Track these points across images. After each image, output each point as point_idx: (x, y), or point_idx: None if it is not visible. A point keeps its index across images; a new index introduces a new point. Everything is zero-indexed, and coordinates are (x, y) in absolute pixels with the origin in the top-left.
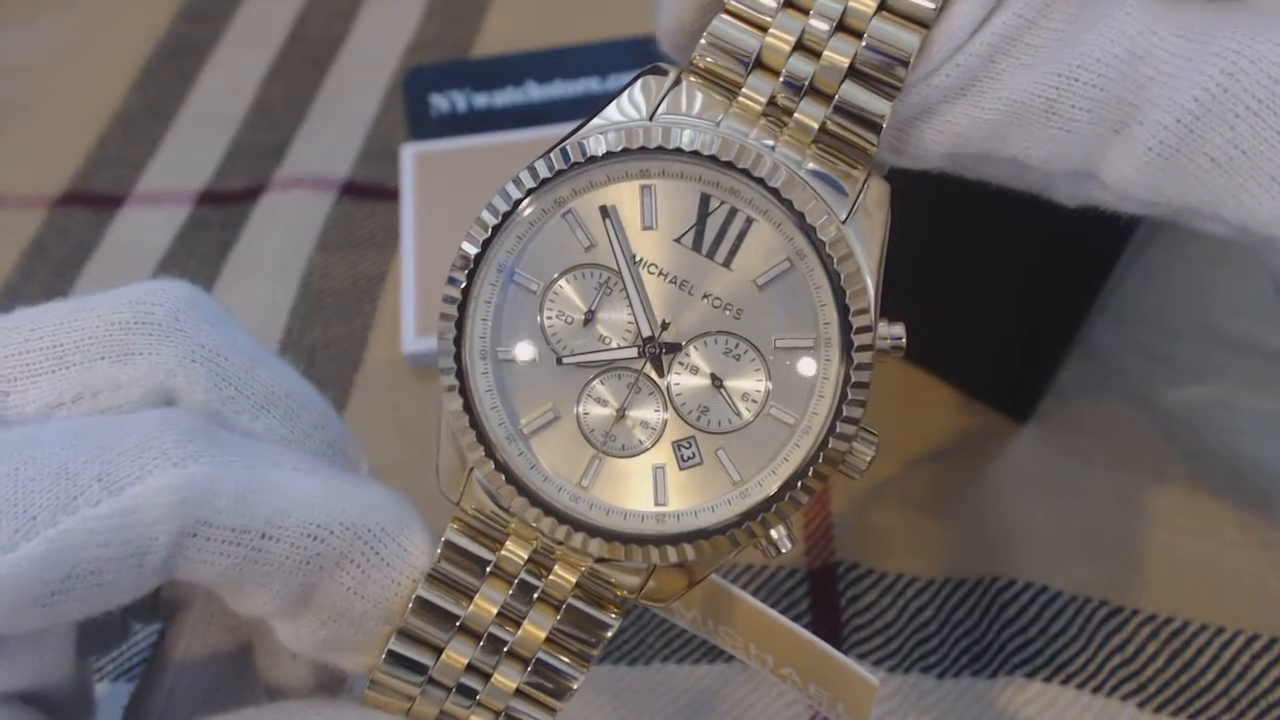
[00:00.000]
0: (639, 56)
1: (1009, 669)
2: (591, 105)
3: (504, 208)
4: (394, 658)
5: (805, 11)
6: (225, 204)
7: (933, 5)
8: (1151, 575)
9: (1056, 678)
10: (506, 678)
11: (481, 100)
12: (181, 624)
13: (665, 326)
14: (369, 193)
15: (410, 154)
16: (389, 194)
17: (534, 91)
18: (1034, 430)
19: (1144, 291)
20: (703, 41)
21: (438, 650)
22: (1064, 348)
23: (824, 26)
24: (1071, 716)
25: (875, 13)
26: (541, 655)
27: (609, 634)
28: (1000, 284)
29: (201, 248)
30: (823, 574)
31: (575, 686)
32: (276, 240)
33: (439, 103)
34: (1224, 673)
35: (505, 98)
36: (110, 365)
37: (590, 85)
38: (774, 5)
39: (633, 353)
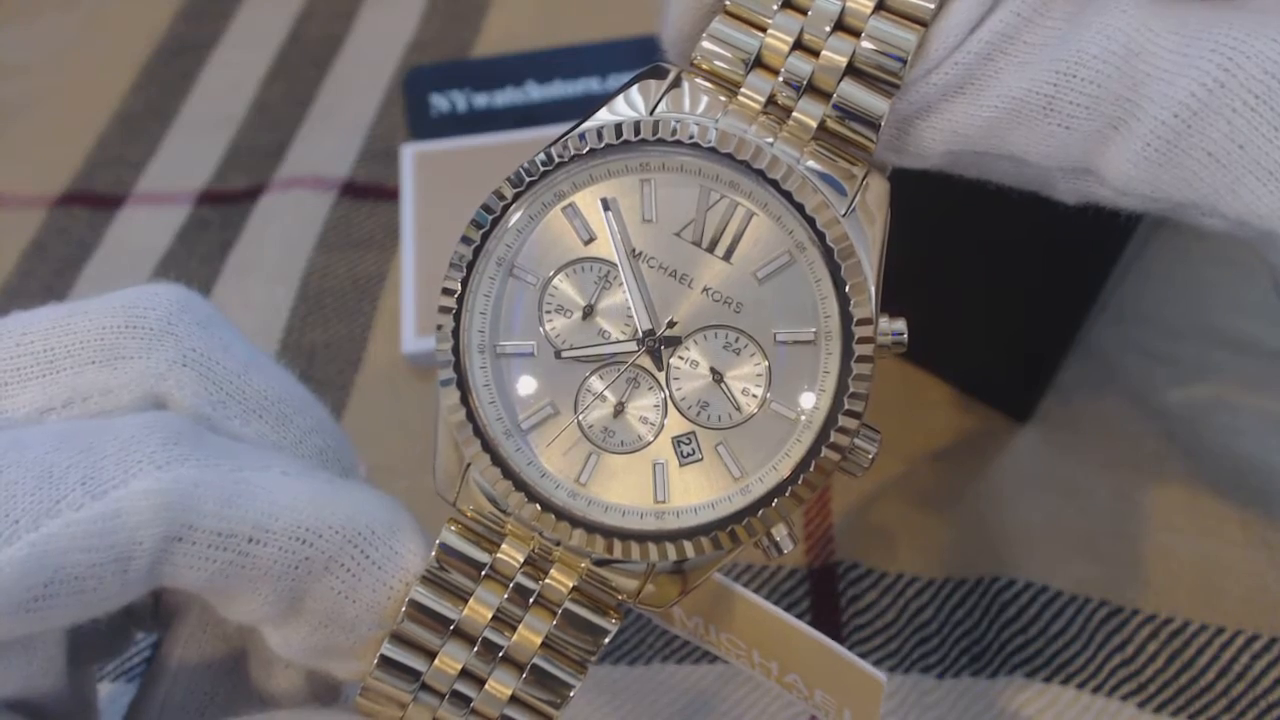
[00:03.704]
0: (639, 56)
1: (1009, 669)
2: (591, 105)
3: (504, 201)
4: (386, 663)
5: (804, 11)
6: (225, 204)
7: (931, 4)
8: (1151, 575)
9: (1056, 678)
10: (501, 684)
11: (481, 100)
12: (177, 633)
13: (669, 323)
14: (369, 193)
15: (410, 154)
16: (389, 194)
17: (534, 91)
18: (1034, 430)
19: (1144, 291)
20: (702, 42)
21: (431, 655)
22: (1064, 348)
23: (823, 26)
24: (1071, 716)
25: (873, 11)
26: (537, 661)
27: (606, 640)
28: (1000, 284)
29: (201, 248)
30: (823, 574)
31: (572, 694)
32: (276, 240)
33: (439, 103)
34: (1224, 673)
35: (505, 98)
36: (100, 370)
37: (590, 85)
38: (773, 5)
39: (632, 347)
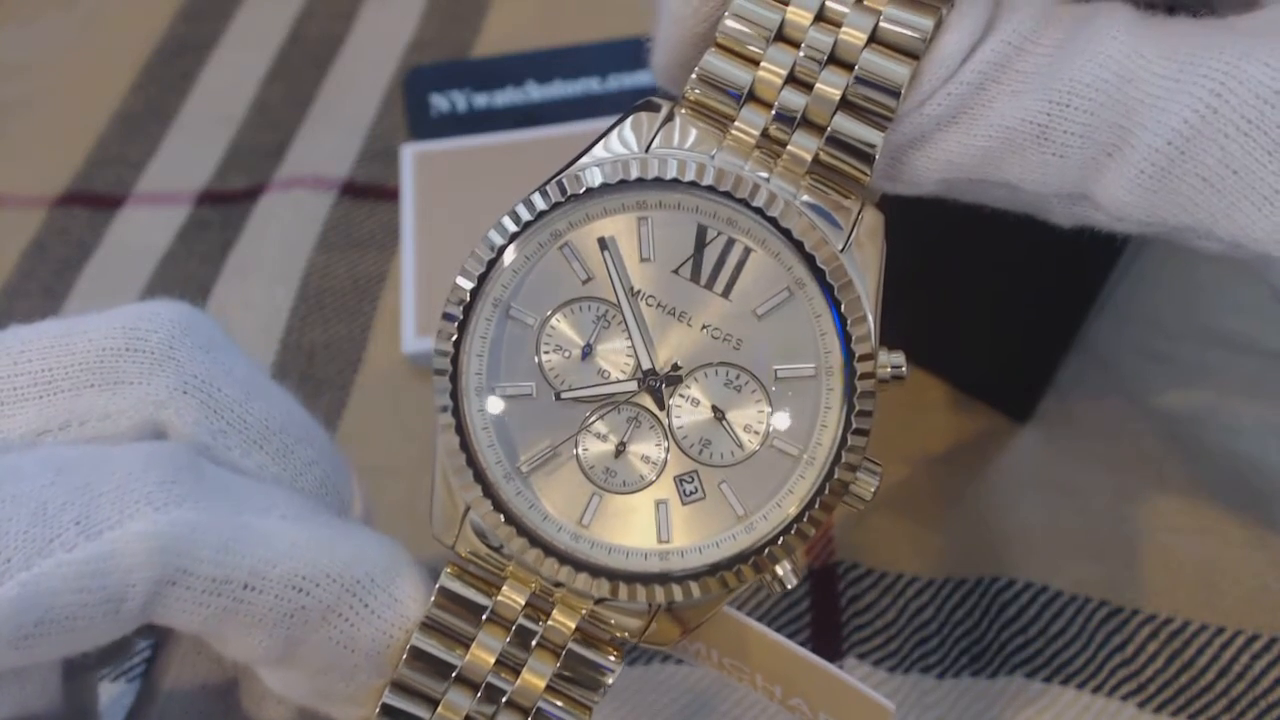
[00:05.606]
0: (639, 56)
1: (1009, 669)
2: (591, 105)
3: (500, 242)
4: (388, 711)
5: (796, 44)
6: (225, 204)
7: (922, 36)
8: (1151, 575)
9: (1056, 678)
10: None
11: (481, 100)
12: (171, 652)
13: (671, 364)
14: (369, 193)
15: (410, 154)
16: (389, 194)
17: (534, 91)
18: (1034, 430)
19: (1143, 291)
20: (695, 76)
21: (434, 702)
22: (1064, 348)
23: (815, 59)
24: (1071, 716)
25: (865, 45)
26: (541, 705)
27: (611, 680)
28: (1000, 284)
29: (201, 248)
30: (823, 574)
31: None
32: (276, 240)
33: (439, 103)
34: (1224, 673)
35: (505, 98)
36: (99, 393)
37: (590, 85)
38: (765, 39)
39: (632, 386)
